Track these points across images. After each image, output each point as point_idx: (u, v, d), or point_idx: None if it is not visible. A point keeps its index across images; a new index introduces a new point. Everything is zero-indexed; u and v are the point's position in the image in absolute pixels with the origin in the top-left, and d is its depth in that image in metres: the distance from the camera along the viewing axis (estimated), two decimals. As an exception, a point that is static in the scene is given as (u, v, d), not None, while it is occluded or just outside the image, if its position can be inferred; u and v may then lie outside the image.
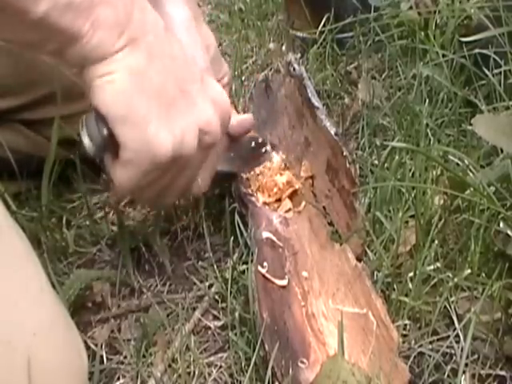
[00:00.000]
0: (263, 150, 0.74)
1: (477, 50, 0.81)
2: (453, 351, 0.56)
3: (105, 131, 0.53)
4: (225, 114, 0.60)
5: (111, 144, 0.54)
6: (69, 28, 0.49)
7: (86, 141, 0.54)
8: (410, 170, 0.71)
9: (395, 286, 0.60)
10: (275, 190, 0.70)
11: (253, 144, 0.73)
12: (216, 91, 0.60)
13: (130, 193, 0.61)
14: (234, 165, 0.71)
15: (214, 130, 0.58)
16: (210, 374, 0.56)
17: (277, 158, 0.73)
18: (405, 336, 0.57)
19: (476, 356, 0.55)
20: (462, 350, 0.54)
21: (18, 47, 0.59)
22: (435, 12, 0.94)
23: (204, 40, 0.67)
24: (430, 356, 0.56)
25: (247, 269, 0.62)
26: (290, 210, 0.69)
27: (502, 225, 0.61)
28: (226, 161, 0.69)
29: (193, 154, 0.57)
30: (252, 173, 0.72)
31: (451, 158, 0.71)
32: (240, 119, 0.68)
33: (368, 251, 0.64)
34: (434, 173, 0.71)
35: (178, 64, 0.56)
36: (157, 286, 0.66)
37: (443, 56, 0.85)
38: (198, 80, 0.58)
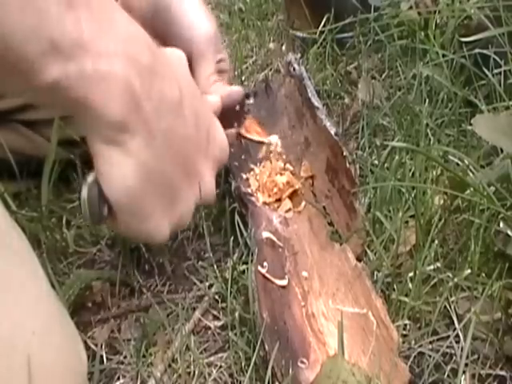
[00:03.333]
0: (245, 103, 0.74)
1: (477, 50, 0.81)
2: (453, 351, 0.56)
3: (105, 210, 0.53)
4: (222, 164, 0.61)
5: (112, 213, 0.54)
6: (79, 98, 0.46)
7: (85, 213, 0.53)
8: (410, 170, 0.71)
9: (395, 286, 0.60)
10: (275, 190, 0.70)
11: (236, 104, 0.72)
12: (220, 147, 0.60)
13: None
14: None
15: (209, 198, 0.59)
16: (210, 374, 0.56)
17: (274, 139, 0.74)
18: (405, 336, 0.57)
19: (476, 356, 0.55)
20: (462, 350, 0.54)
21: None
22: (435, 12, 0.94)
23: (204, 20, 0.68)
24: (430, 356, 0.56)
25: (247, 269, 0.62)
26: (289, 209, 0.69)
27: (501, 225, 0.61)
28: None
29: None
30: (252, 173, 0.72)
31: (451, 157, 0.71)
32: (229, 91, 0.68)
33: (368, 251, 0.64)
34: (434, 173, 0.71)
35: (188, 144, 0.55)
36: (157, 285, 0.66)
37: (443, 56, 0.85)
38: (205, 146, 0.58)
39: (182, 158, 0.55)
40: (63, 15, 0.43)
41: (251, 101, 0.76)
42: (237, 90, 0.70)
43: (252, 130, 0.76)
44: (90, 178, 0.52)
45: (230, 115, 0.68)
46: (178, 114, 0.53)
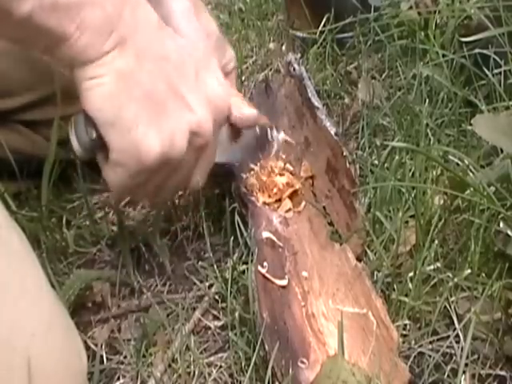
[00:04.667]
0: (268, 137, 0.73)
1: (477, 50, 0.80)
2: (453, 351, 0.56)
3: (93, 134, 0.53)
4: (219, 113, 0.60)
5: (102, 145, 0.54)
6: (54, 29, 0.48)
7: (74, 143, 0.54)
8: (410, 170, 0.71)
9: (395, 286, 0.60)
10: (275, 190, 0.69)
11: (257, 131, 0.72)
12: (211, 88, 0.59)
13: (123, 192, 0.62)
14: (237, 155, 0.70)
15: (205, 131, 0.57)
16: (210, 374, 0.56)
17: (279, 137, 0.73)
18: (405, 336, 0.57)
19: (476, 356, 0.55)
20: (462, 350, 0.54)
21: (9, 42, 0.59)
22: (435, 12, 0.94)
23: (205, 28, 0.67)
24: (430, 356, 0.56)
25: (247, 269, 0.62)
26: (290, 209, 0.69)
27: (501, 225, 0.61)
28: (228, 151, 0.68)
29: (183, 156, 0.56)
30: (252, 173, 0.72)
31: (451, 157, 0.71)
32: (244, 114, 0.67)
33: (368, 251, 0.64)
34: (434, 173, 0.71)
35: (169, 64, 0.56)
36: (157, 285, 0.66)
37: (443, 56, 0.85)
38: (192, 79, 0.58)
39: (162, 75, 0.55)
40: None
41: (274, 134, 0.73)
42: (251, 114, 0.67)
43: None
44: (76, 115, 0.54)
45: (249, 143, 0.70)
46: (155, 33, 0.55)
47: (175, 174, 0.59)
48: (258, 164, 0.73)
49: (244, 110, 0.66)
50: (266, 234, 0.65)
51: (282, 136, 0.74)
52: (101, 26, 0.50)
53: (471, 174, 0.67)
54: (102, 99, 0.52)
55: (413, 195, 0.65)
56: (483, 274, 0.60)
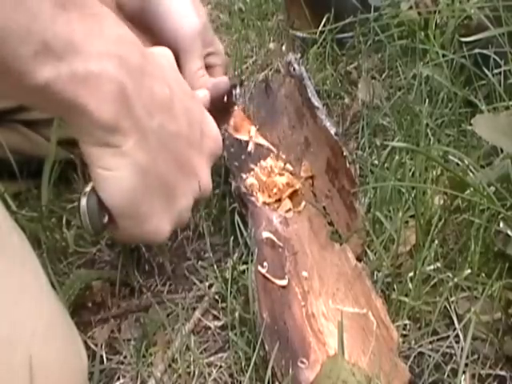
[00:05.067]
0: (233, 94, 0.75)
1: (477, 50, 0.80)
2: (453, 351, 0.56)
3: (106, 219, 0.53)
4: (216, 157, 0.62)
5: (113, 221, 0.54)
6: (70, 98, 0.46)
7: (84, 221, 0.53)
8: (410, 170, 0.71)
9: (395, 286, 0.60)
10: (275, 190, 0.70)
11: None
12: (211, 137, 0.60)
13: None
14: None
15: (207, 191, 0.60)
16: (210, 374, 0.56)
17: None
18: (405, 336, 0.57)
19: (476, 356, 0.55)
20: (462, 350, 0.54)
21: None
22: (435, 12, 0.94)
23: (197, 11, 0.68)
24: (429, 356, 0.56)
25: (247, 269, 0.62)
26: (290, 209, 0.69)
27: (501, 225, 0.61)
28: None
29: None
30: (252, 173, 0.72)
31: (451, 157, 0.71)
32: (215, 82, 0.69)
33: (368, 251, 0.64)
34: (434, 173, 0.71)
35: (181, 137, 0.55)
36: (157, 285, 0.66)
37: (443, 56, 0.85)
38: (198, 139, 0.58)
39: (177, 155, 0.55)
40: (56, 16, 0.44)
41: (238, 90, 0.76)
42: (222, 80, 0.71)
43: (241, 126, 0.76)
44: (88, 187, 0.52)
45: (218, 107, 0.69)
46: (169, 112, 0.53)
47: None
48: (258, 164, 0.73)
49: (214, 80, 0.69)
50: (266, 234, 0.65)
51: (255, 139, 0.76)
52: (116, 99, 0.48)
53: (471, 174, 0.67)
54: (121, 194, 0.51)
55: (413, 195, 0.65)
56: (483, 274, 0.60)
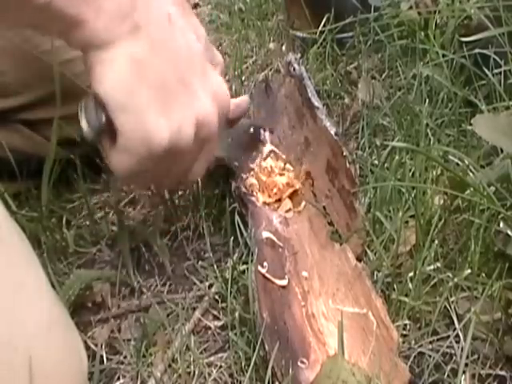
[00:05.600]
0: (260, 135, 0.75)
1: (477, 50, 0.80)
2: (453, 351, 0.56)
3: (103, 117, 0.53)
4: (223, 107, 0.60)
5: (109, 129, 0.54)
6: (73, 14, 0.49)
7: (83, 125, 0.54)
8: (410, 170, 0.71)
9: (395, 286, 0.60)
10: (275, 190, 0.70)
11: (251, 129, 0.75)
12: (216, 83, 0.60)
13: (126, 179, 0.62)
14: (230, 150, 0.71)
15: (211, 122, 0.58)
16: (210, 374, 0.56)
17: (269, 146, 0.75)
18: (405, 336, 0.57)
19: (476, 356, 0.55)
20: (462, 350, 0.54)
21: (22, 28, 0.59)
22: (435, 12, 0.94)
23: (195, 31, 0.67)
24: (430, 356, 0.56)
25: (247, 269, 0.62)
26: (290, 209, 0.69)
27: (501, 225, 0.61)
28: (223, 146, 0.69)
29: (189, 145, 0.57)
30: (252, 173, 0.72)
31: (451, 157, 0.71)
32: (237, 101, 0.69)
33: (368, 251, 0.64)
34: (434, 173, 0.71)
35: (180, 56, 0.56)
36: (157, 285, 0.66)
37: (443, 56, 0.85)
38: (200, 72, 0.58)
39: (174, 66, 0.55)
40: None
41: (266, 134, 0.76)
42: (244, 99, 0.71)
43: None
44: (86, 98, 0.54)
45: (242, 140, 0.73)
46: (167, 26, 0.55)
47: (178, 163, 0.59)
48: (258, 164, 0.73)
49: (236, 99, 0.68)
50: (266, 234, 0.65)
51: (269, 148, 0.75)
52: (116, 12, 0.51)
53: (471, 174, 0.67)
54: (114, 83, 0.52)
55: (413, 195, 0.65)
56: (483, 274, 0.60)
